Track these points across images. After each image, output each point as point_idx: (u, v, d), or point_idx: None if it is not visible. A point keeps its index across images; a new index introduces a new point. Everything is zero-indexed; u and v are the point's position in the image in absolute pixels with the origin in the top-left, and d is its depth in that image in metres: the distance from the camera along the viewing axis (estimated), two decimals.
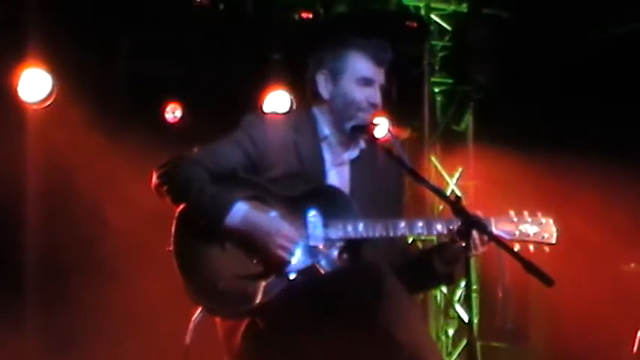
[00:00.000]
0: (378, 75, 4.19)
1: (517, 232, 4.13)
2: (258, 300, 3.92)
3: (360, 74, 4.15)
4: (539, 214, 4.17)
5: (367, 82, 4.16)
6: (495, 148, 7.06)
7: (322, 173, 4.16)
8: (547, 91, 6.99)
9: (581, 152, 6.57)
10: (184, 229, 4.01)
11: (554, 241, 4.15)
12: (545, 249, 4.14)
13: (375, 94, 4.17)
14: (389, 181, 4.28)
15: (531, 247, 4.12)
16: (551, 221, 4.17)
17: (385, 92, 4.26)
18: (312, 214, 4.03)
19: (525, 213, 4.16)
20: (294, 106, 6.66)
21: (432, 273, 4.15)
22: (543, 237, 4.14)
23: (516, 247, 4.09)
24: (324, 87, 4.19)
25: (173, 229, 4.02)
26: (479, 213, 4.03)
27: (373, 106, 4.15)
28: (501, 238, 3.98)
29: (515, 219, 4.14)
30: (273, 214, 4.01)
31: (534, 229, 4.14)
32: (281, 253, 3.93)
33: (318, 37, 4.34)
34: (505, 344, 7.17)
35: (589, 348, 6.40)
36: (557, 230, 4.16)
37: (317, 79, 4.20)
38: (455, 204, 3.72)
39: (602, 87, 6.74)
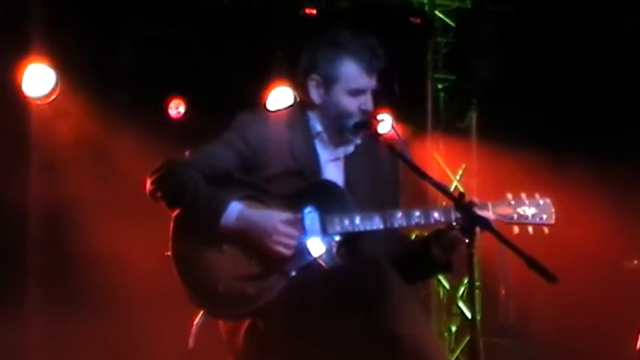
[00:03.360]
0: (369, 83, 4.14)
1: (515, 215, 4.10)
2: (259, 300, 3.90)
3: (353, 86, 4.10)
4: (537, 195, 4.14)
5: (360, 92, 4.12)
6: (498, 144, 7.06)
7: (318, 169, 4.14)
8: (550, 87, 6.99)
9: (584, 148, 6.57)
10: (182, 233, 3.99)
11: (552, 221, 4.11)
12: (545, 230, 4.10)
13: (367, 102, 4.13)
14: (385, 174, 4.26)
15: (530, 229, 4.10)
16: (548, 201, 4.13)
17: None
18: (309, 210, 4.01)
19: (523, 195, 4.13)
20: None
21: (430, 261, 4.12)
22: (542, 218, 4.11)
23: (515, 230, 4.08)
24: (315, 92, 4.15)
25: (170, 234, 4.01)
26: (475, 199, 4.02)
27: (365, 112, 4.13)
28: (500, 222, 3.96)
29: (513, 202, 4.11)
30: (270, 211, 3.99)
31: (532, 210, 4.11)
32: (280, 248, 3.92)
33: (313, 35, 4.29)
34: (507, 340, 7.18)
35: (591, 344, 6.41)
36: (556, 210, 4.13)
37: (308, 82, 4.17)
38: (458, 200, 3.72)
39: (607, 84, 6.73)
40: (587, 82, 6.81)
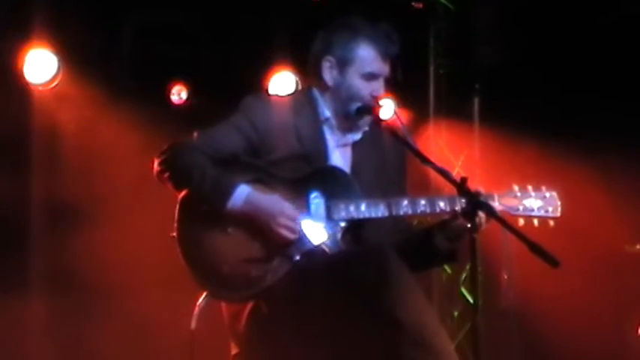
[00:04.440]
0: (384, 68, 4.17)
1: (521, 207, 4.10)
2: (262, 283, 3.91)
3: (368, 69, 4.13)
4: (543, 187, 4.14)
5: (373, 76, 4.14)
6: (501, 130, 7.05)
7: (325, 154, 4.15)
8: (553, 73, 6.98)
9: (587, 134, 6.56)
10: (187, 215, 4.01)
11: (558, 214, 4.12)
12: (550, 222, 4.11)
13: (379, 88, 4.15)
14: (391, 162, 4.27)
15: (535, 222, 4.10)
16: (555, 194, 4.14)
17: (391, 74, 4.25)
18: (315, 195, 4.02)
19: (529, 187, 4.13)
20: (300, 87, 6.66)
21: (435, 251, 4.13)
22: (547, 211, 4.11)
23: (521, 222, 4.08)
24: (328, 73, 4.17)
25: (176, 215, 4.02)
26: (481, 189, 4.02)
27: (376, 98, 4.14)
28: (506, 213, 3.97)
29: (519, 194, 4.12)
30: (276, 195, 4.00)
31: (538, 203, 4.12)
32: (285, 232, 3.93)
33: (328, 18, 4.29)
34: (509, 325, 7.18)
35: (593, 329, 6.42)
36: (562, 204, 4.13)
37: (322, 63, 4.18)
38: (460, 185, 3.72)
39: (611, 69, 6.72)
40: (591, 67, 6.80)
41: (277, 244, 3.94)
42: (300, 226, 3.96)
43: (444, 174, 3.85)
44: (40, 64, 6.20)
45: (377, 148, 4.24)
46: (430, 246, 4.12)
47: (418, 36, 7.37)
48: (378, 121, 4.16)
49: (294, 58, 6.63)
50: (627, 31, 6.75)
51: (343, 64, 4.14)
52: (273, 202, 3.97)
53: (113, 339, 6.22)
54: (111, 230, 6.19)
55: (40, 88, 6.24)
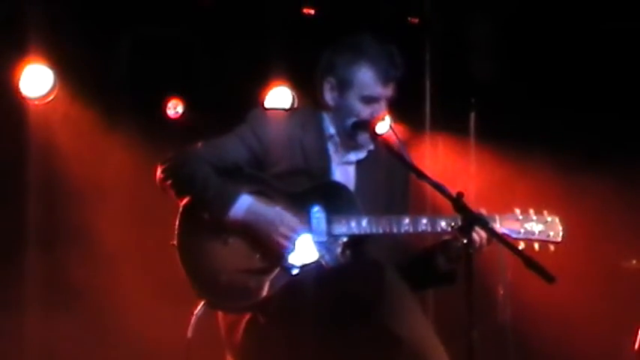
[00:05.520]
0: (384, 92, 4.16)
1: (522, 231, 4.11)
2: (260, 295, 3.92)
3: (367, 93, 4.13)
4: (545, 212, 4.16)
5: (373, 99, 4.14)
6: (497, 145, 7.05)
7: (328, 170, 4.17)
8: (550, 88, 6.98)
9: (584, 148, 6.57)
10: (188, 224, 4.02)
11: (559, 239, 4.13)
12: (551, 247, 4.12)
13: (380, 109, 4.15)
14: (395, 182, 4.28)
15: (536, 246, 4.11)
16: (557, 219, 4.16)
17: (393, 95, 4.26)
18: (316, 210, 4.03)
19: (531, 211, 4.15)
20: (296, 103, 6.66)
21: (435, 271, 4.12)
22: (549, 235, 4.13)
23: (521, 246, 4.08)
24: (329, 94, 4.18)
25: (177, 224, 4.04)
26: (483, 211, 4.02)
27: (375, 118, 4.13)
28: (503, 235, 3.97)
29: (521, 217, 4.13)
30: (278, 207, 4.00)
31: (540, 227, 4.13)
32: (282, 241, 3.93)
33: (325, 33, 4.29)
34: (505, 340, 7.17)
35: (590, 345, 6.40)
36: (563, 229, 4.14)
37: (324, 84, 4.18)
38: (456, 200, 3.72)
39: (610, 84, 6.73)
40: (589, 81, 6.80)
41: (275, 251, 3.94)
42: (299, 237, 3.96)
43: (440, 189, 3.85)
44: (36, 79, 6.19)
45: (381, 168, 4.25)
46: (431, 266, 4.12)
47: (414, 51, 7.37)
48: (374, 136, 4.16)
49: (291, 73, 6.63)
50: (627, 43, 6.75)
51: (343, 86, 4.15)
52: (275, 212, 3.98)
53: (109, 349, 6.21)
54: (107, 243, 6.19)
55: (36, 102, 6.24)
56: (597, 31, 6.82)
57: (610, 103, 6.72)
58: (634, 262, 6.56)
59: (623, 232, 6.59)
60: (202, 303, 4.12)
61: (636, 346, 5.83)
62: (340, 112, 4.16)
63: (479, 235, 3.90)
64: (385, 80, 4.14)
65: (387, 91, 4.17)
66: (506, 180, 6.75)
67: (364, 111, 4.13)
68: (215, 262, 3.97)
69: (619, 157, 6.49)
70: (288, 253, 3.95)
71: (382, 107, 4.16)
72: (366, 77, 4.12)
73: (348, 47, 4.19)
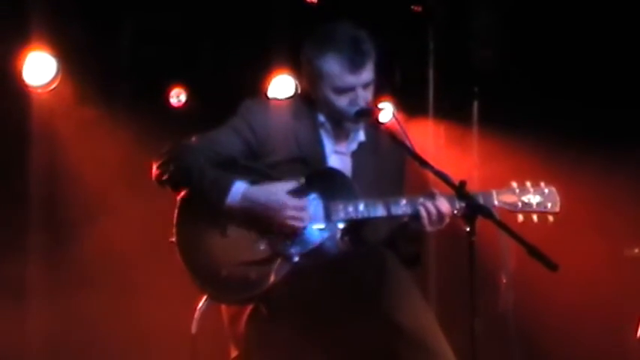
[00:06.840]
0: (356, 79, 4.07)
1: (520, 204, 4.10)
2: (262, 286, 3.92)
3: (337, 84, 4.07)
4: (542, 183, 4.14)
5: (347, 89, 4.08)
6: (500, 133, 7.05)
7: (322, 158, 4.16)
8: (553, 76, 6.97)
9: (586, 137, 6.56)
10: (186, 218, 4.02)
11: (557, 209, 4.11)
12: (550, 218, 4.10)
13: (356, 98, 4.07)
14: (390, 169, 4.27)
15: (535, 217, 4.09)
16: (554, 190, 4.13)
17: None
18: (313, 197, 4.03)
19: (528, 183, 4.13)
20: (299, 91, 6.66)
21: (399, 256, 4.07)
22: (547, 206, 4.10)
23: (520, 218, 4.07)
24: (309, 86, 4.18)
25: (175, 219, 4.03)
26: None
27: (361, 105, 4.08)
28: (505, 210, 3.96)
29: (518, 190, 4.11)
30: (272, 184, 3.99)
31: (537, 199, 4.11)
32: (292, 223, 3.93)
33: (307, 26, 4.26)
34: (508, 329, 7.17)
35: (592, 333, 6.41)
36: (560, 199, 4.12)
37: (303, 76, 4.19)
38: (459, 188, 3.72)
39: (614, 72, 6.71)
40: (592, 69, 6.79)
41: (276, 245, 3.94)
42: (306, 214, 3.95)
43: (443, 177, 3.85)
44: (39, 67, 6.19)
45: (376, 155, 4.23)
46: (393, 250, 4.09)
47: (417, 39, 7.36)
48: (376, 124, 4.16)
49: (294, 61, 6.61)
50: (629, 31, 6.74)
51: (315, 78, 4.12)
52: (272, 193, 3.97)
53: (113, 343, 6.21)
54: (110, 234, 6.19)
55: (39, 90, 6.24)
56: (599, 20, 6.81)
57: (614, 91, 6.71)
58: (636, 250, 6.56)
59: (626, 220, 6.58)
60: (205, 297, 4.12)
61: (638, 335, 5.83)
62: (322, 103, 4.14)
63: (427, 210, 3.88)
64: (352, 68, 4.04)
65: (360, 79, 4.07)
66: (509, 168, 6.74)
67: (339, 101, 4.08)
68: (215, 255, 3.97)
69: (624, 145, 6.48)
70: (301, 228, 3.92)
71: (363, 94, 4.08)
72: (333, 68, 4.05)
73: (317, 38, 4.14)
